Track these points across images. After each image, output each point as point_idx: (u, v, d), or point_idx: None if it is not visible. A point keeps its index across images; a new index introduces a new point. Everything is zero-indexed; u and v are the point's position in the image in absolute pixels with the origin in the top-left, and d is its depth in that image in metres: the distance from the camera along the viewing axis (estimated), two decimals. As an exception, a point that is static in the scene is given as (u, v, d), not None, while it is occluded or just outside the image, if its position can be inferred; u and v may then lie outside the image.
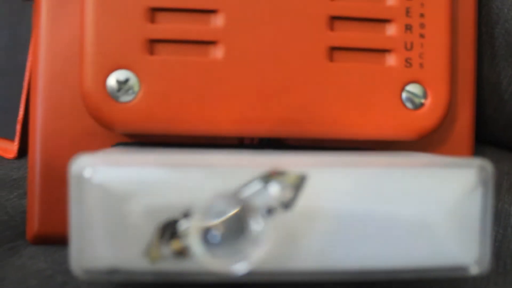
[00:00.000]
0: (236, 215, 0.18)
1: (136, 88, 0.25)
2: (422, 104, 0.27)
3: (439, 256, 0.21)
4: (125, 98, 0.25)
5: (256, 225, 0.18)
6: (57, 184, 0.26)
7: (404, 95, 0.26)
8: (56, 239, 0.26)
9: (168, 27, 0.25)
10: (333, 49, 0.26)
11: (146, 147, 0.26)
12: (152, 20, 0.25)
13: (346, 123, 0.26)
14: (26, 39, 0.33)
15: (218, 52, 0.25)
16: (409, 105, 0.26)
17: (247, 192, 0.19)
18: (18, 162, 0.32)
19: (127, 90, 0.25)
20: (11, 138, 0.33)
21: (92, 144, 0.27)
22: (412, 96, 0.27)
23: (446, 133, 0.29)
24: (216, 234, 0.18)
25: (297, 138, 0.27)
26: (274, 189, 0.19)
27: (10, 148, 0.33)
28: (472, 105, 0.30)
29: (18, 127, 0.32)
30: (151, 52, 0.25)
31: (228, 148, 0.26)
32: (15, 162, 0.32)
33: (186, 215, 0.19)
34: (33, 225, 0.27)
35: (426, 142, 0.29)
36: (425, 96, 0.27)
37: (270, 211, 0.19)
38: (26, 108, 0.32)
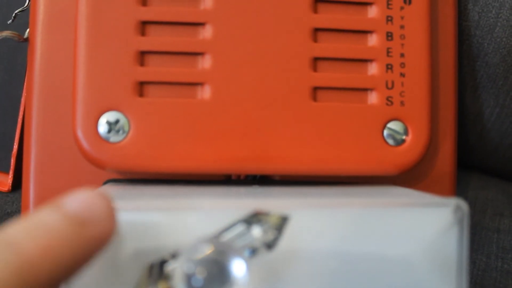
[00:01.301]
0: (216, 258, 0.19)
1: (126, 129, 0.26)
2: (403, 141, 0.28)
3: (417, 293, 0.21)
4: (115, 138, 0.26)
5: (238, 268, 0.19)
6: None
7: (385, 132, 0.27)
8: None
9: (157, 69, 0.26)
10: (317, 89, 0.27)
11: (136, 184, 0.27)
12: (142, 62, 0.26)
13: (330, 160, 0.27)
14: (22, 74, 0.34)
15: (205, 93, 0.26)
16: (390, 141, 0.27)
17: (230, 235, 0.20)
18: (12, 195, 0.33)
19: (118, 131, 0.26)
20: (6, 171, 0.34)
21: (84, 179, 0.28)
22: (393, 133, 0.27)
23: (428, 166, 0.30)
24: (199, 277, 0.18)
25: (282, 175, 0.28)
26: (257, 231, 0.20)
27: (4, 181, 0.34)
28: (453, 138, 0.31)
29: (13, 161, 0.33)
30: (141, 94, 0.26)
31: (215, 185, 0.27)
32: (9, 195, 0.33)
33: (174, 256, 0.20)
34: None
35: (408, 175, 0.29)
36: (406, 132, 0.28)
37: (253, 252, 0.20)
38: (20, 142, 0.33)
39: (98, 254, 0.18)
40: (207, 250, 0.19)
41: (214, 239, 0.19)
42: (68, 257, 0.17)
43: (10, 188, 0.33)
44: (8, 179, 0.33)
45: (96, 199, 0.18)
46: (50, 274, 0.16)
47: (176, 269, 0.19)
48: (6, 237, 0.16)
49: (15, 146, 0.33)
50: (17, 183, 0.33)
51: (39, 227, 0.17)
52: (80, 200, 0.17)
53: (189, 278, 0.19)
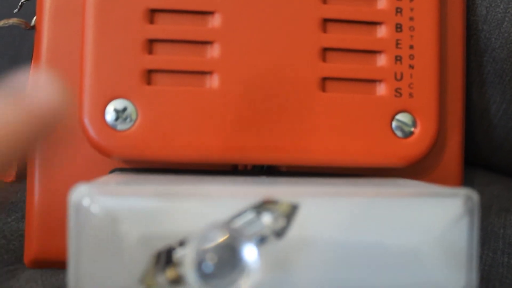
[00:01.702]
0: (228, 244, 0.19)
1: (133, 117, 0.25)
2: (411, 133, 0.27)
3: (427, 284, 0.21)
4: (122, 126, 0.25)
5: (249, 254, 0.19)
6: (55, 209, 0.27)
7: (394, 124, 0.27)
8: (53, 264, 0.26)
9: (165, 57, 0.26)
10: (326, 79, 0.27)
11: (142, 173, 0.27)
12: (150, 51, 0.26)
13: (338, 151, 0.27)
14: (28, 63, 0.33)
15: (213, 82, 0.26)
16: (399, 133, 0.27)
17: (240, 222, 0.20)
18: (17, 185, 0.33)
19: (125, 119, 0.25)
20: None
21: (90, 169, 0.27)
22: (402, 125, 0.27)
23: (436, 159, 0.30)
24: (210, 263, 0.18)
25: (290, 165, 0.28)
26: (267, 218, 0.20)
27: (8, 171, 0.33)
28: (460, 132, 0.30)
29: (17, 151, 0.33)
30: (149, 82, 0.26)
31: (223, 175, 0.27)
32: (13, 185, 0.33)
33: (182, 243, 0.20)
34: (31, 250, 0.27)
35: (416, 168, 0.29)
36: (414, 124, 0.27)
37: (262, 239, 0.20)
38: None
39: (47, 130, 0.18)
40: (220, 236, 0.18)
41: (224, 225, 0.19)
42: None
43: (15, 178, 0.33)
44: (12, 169, 0.33)
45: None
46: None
47: (186, 256, 0.19)
48: None
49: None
50: (21, 174, 0.33)
51: None
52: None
53: (199, 264, 0.18)
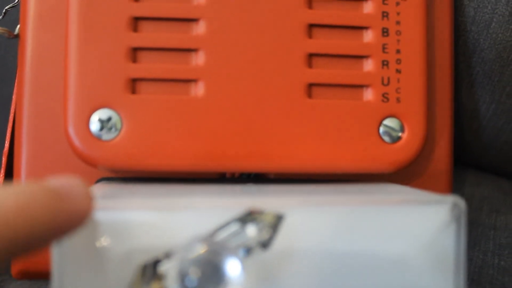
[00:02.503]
0: (211, 258, 0.18)
1: (118, 126, 0.25)
2: (399, 138, 0.27)
3: (414, 292, 0.21)
4: (107, 136, 0.25)
5: (233, 267, 0.18)
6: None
7: (381, 129, 0.27)
8: (41, 275, 0.26)
9: (149, 66, 0.26)
10: (312, 85, 0.27)
11: (129, 183, 0.26)
12: (134, 59, 0.26)
13: (325, 158, 0.26)
14: (13, 72, 0.33)
15: (198, 90, 0.26)
16: (386, 139, 0.27)
17: (224, 234, 0.19)
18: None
19: (110, 129, 0.25)
20: (-4, 170, 0.33)
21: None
22: (389, 130, 0.27)
23: (424, 163, 0.30)
24: (193, 277, 0.18)
25: (277, 173, 0.28)
26: (252, 230, 0.20)
27: (-5, 180, 0.33)
28: (449, 134, 0.30)
29: (4, 159, 0.32)
30: (133, 91, 0.26)
31: (210, 183, 0.26)
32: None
33: (168, 256, 0.20)
34: (18, 261, 0.27)
35: (405, 172, 0.29)
36: (402, 129, 0.27)
37: (247, 251, 0.20)
38: (11, 140, 0.32)
39: (72, 231, 0.18)
40: (200, 250, 0.18)
41: (208, 238, 0.19)
42: (43, 223, 0.17)
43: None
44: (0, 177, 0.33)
45: (76, 181, 0.18)
46: (24, 233, 0.16)
47: (170, 269, 0.19)
48: None
49: (6, 144, 0.33)
50: (8, 182, 0.33)
51: (19, 191, 0.17)
52: (61, 180, 0.18)
53: (183, 278, 0.18)
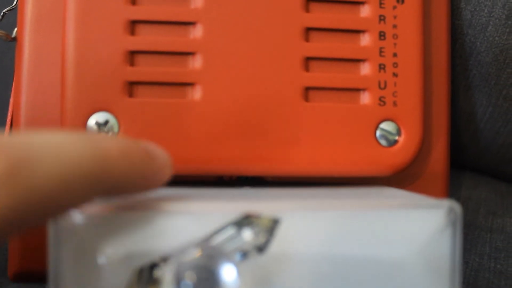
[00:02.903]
0: (206, 263, 0.18)
1: (115, 129, 0.25)
2: (396, 141, 0.27)
3: (410, 296, 0.21)
4: (104, 139, 0.25)
5: (228, 273, 0.19)
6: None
7: (378, 132, 0.27)
8: (38, 278, 0.26)
9: (147, 69, 0.26)
10: (309, 89, 0.27)
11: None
12: (132, 62, 0.26)
13: (322, 161, 0.27)
14: (10, 74, 0.33)
15: (195, 93, 0.26)
16: (383, 142, 0.27)
17: (220, 238, 0.20)
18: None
19: (107, 132, 0.25)
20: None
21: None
22: (386, 134, 0.27)
23: (421, 166, 0.30)
24: (189, 282, 0.18)
25: (274, 176, 0.28)
26: (248, 234, 0.20)
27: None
28: (446, 138, 0.30)
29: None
30: (130, 94, 0.26)
31: (207, 186, 0.26)
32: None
33: (163, 260, 0.20)
34: (15, 263, 0.27)
35: (401, 175, 0.29)
36: (398, 133, 0.27)
37: (243, 255, 0.20)
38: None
39: (151, 189, 0.20)
40: (195, 255, 0.18)
41: (203, 243, 0.19)
42: (136, 173, 0.19)
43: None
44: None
45: (162, 150, 0.21)
46: (122, 176, 0.19)
47: (166, 273, 0.19)
48: (88, 135, 0.19)
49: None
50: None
51: (122, 142, 0.19)
52: (152, 144, 0.21)
53: (178, 282, 0.18)
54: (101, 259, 0.20)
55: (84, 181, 0.18)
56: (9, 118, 0.33)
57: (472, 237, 0.33)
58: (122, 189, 0.19)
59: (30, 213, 0.17)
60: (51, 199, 0.17)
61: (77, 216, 0.20)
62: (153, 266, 0.20)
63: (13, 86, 0.31)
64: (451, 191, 0.32)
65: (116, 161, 0.18)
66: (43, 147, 0.17)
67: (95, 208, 0.20)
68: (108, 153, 0.18)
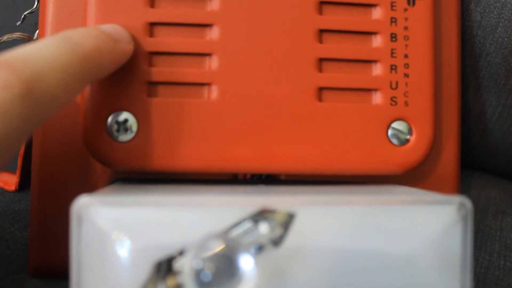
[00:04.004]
0: (225, 254, 0.19)
1: (134, 128, 0.26)
2: (407, 140, 0.28)
3: (421, 290, 0.22)
4: (123, 137, 0.26)
5: (246, 263, 0.19)
6: (58, 218, 0.27)
7: (390, 132, 0.28)
8: (58, 273, 0.27)
9: (165, 70, 0.26)
10: (322, 89, 0.27)
11: (143, 184, 0.27)
12: (151, 63, 0.26)
13: (335, 160, 0.27)
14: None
15: (212, 93, 0.27)
16: (394, 141, 0.28)
17: (237, 231, 0.20)
18: (20, 194, 0.33)
19: (126, 130, 0.26)
20: (13, 171, 0.34)
21: (91, 179, 0.28)
22: (397, 133, 0.28)
23: (432, 165, 0.30)
24: (208, 273, 0.19)
25: (288, 174, 0.28)
26: (264, 228, 0.20)
27: (11, 181, 0.34)
28: (456, 137, 0.31)
29: (19, 161, 0.33)
30: (149, 94, 0.26)
31: (222, 184, 0.27)
32: (16, 194, 0.34)
33: (182, 252, 0.20)
34: (35, 259, 0.28)
35: (412, 174, 0.30)
36: (410, 132, 0.28)
37: (259, 248, 0.20)
38: (27, 142, 0.33)
39: (117, 67, 0.25)
40: (217, 246, 0.19)
41: (223, 235, 0.20)
42: (108, 62, 0.24)
43: (17, 187, 0.34)
44: (15, 178, 0.34)
45: (120, 27, 0.26)
46: (100, 69, 0.23)
47: (185, 264, 0.19)
48: (66, 38, 0.22)
49: (22, 146, 0.33)
50: (24, 183, 0.34)
51: (88, 33, 0.23)
52: (111, 26, 0.25)
53: (198, 273, 0.19)
54: (123, 253, 0.20)
55: (75, 78, 0.21)
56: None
57: (482, 235, 0.33)
58: (99, 73, 0.24)
59: (39, 119, 0.20)
60: (57, 101, 0.21)
61: (98, 214, 0.20)
62: (172, 259, 0.20)
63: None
64: (461, 190, 0.32)
65: (93, 56, 0.23)
66: (43, 60, 0.20)
67: (116, 202, 0.21)
68: (84, 49, 0.22)
